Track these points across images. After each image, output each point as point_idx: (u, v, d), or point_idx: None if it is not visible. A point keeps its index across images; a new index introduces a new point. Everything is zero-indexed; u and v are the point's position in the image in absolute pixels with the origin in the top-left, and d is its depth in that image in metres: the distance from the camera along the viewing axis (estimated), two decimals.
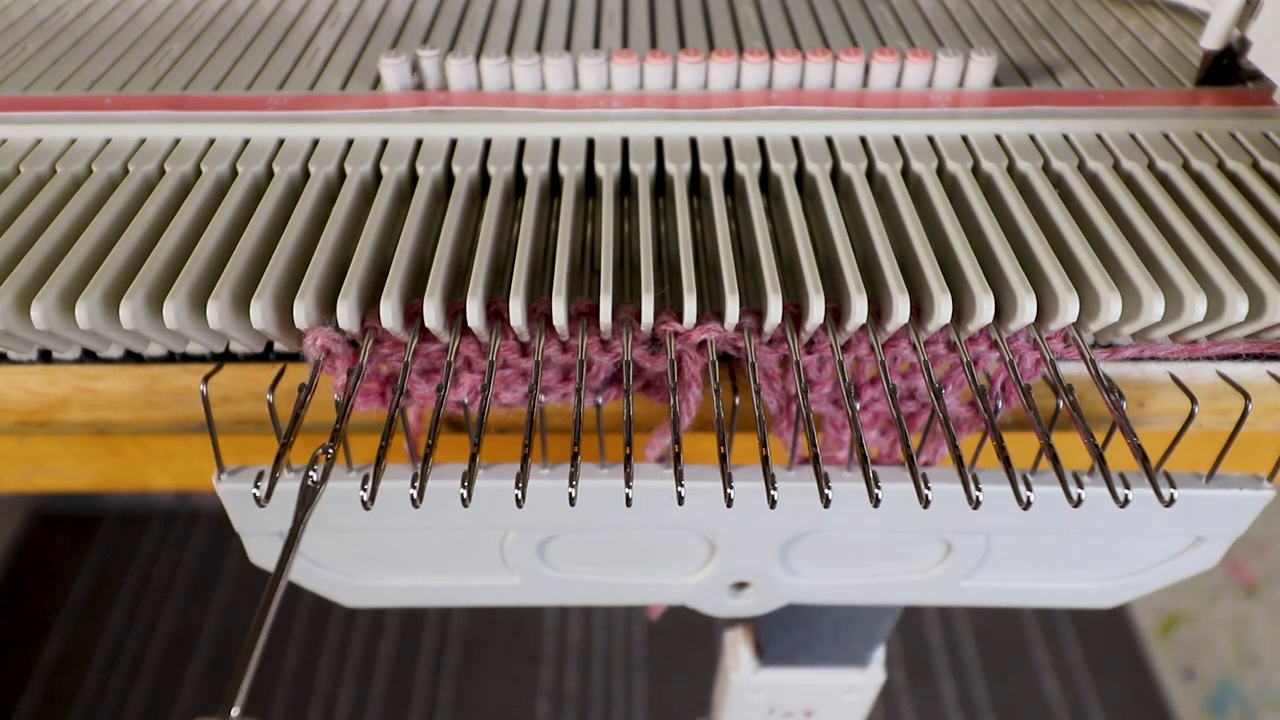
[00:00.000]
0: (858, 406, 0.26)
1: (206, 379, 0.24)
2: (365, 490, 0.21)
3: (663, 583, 0.32)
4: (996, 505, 0.27)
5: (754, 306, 0.24)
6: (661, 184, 0.29)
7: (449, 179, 0.28)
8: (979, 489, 0.22)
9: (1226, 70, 0.32)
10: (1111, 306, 0.22)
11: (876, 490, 0.21)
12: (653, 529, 0.30)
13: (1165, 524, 0.28)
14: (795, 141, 0.29)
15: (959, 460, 0.22)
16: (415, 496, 0.21)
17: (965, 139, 0.29)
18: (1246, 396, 0.24)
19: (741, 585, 0.33)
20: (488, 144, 0.29)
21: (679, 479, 0.21)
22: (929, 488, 0.21)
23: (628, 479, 0.21)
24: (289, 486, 0.23)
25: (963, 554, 0.31)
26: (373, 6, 0.38)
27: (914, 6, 0.38)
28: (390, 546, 0.30)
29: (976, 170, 0.28)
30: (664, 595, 0.33)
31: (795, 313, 0.24)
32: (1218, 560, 0.30)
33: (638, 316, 0.23)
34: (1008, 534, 0.30)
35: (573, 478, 0.21)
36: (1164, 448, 0.25)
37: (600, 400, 0.26)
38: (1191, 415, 0.23)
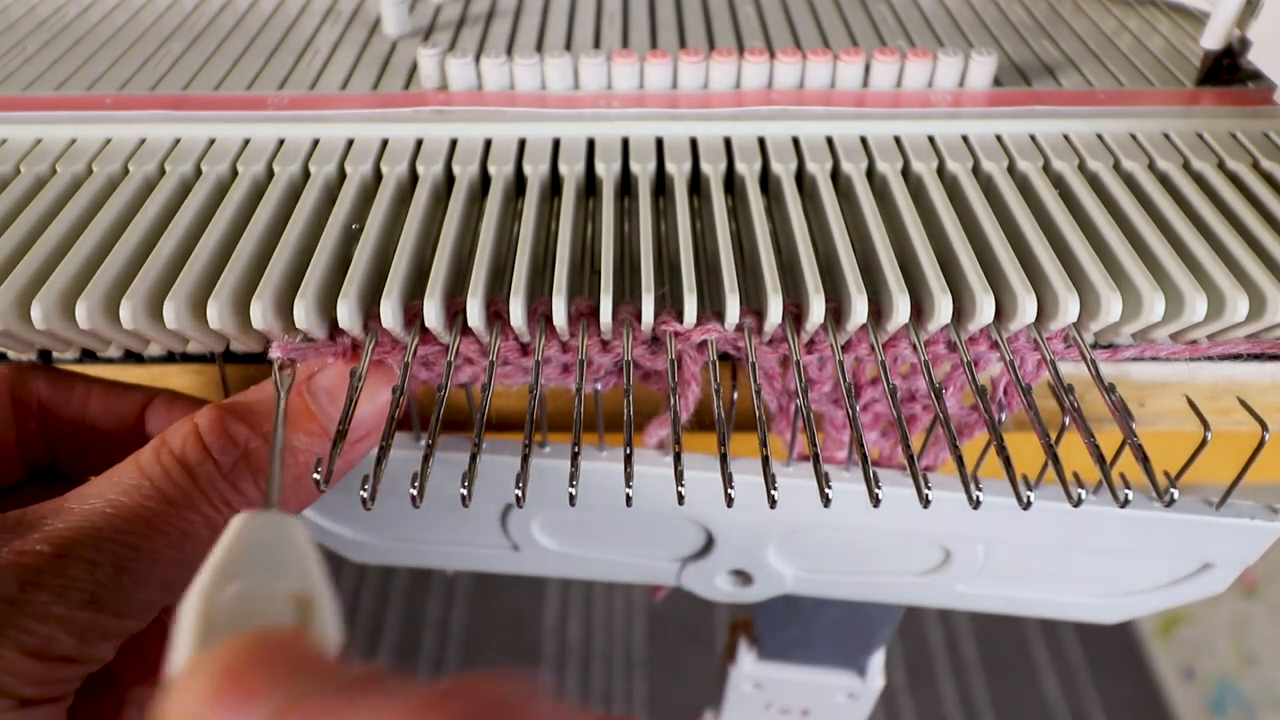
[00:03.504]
0: (858, 406, 0.26)
1: (221, 365, 0.24)
2: (365, 490, 0.21)
3: (660, 564, 0.33)
4: (997, 513, 0.27)
5: (754, 306, 0.24)
6: (662, 184, 0.29)
7: (449, 179, 0.28)
8: (979, 489, 0.22)
9: (1227, 70, 0.32)
10: (1112, 306, 0.22)
11: (877, 490, 0.21)
12: (652, 514, 0.30)
13: (1171, 548, 0.28)
14: (795, 141, 0.29)
15: (959, 460, 0.22)
16: (415, 496, 0.21)
17: (965, 139, 0.29)
18: (1264, 426, 0.24)
19: (739, 573, 0.33)
20: (488, 144, 0.29)
21: (679, 479, 0.21)
22: (929, 487, 0.21)
23: (628, 479, 0.21)
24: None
25: (961, 560, 0.31)
26: (372, 6, 0.38)
27: (914, 6, 0.38)
28: (395, 507, 0.31)
29: (977, 170, 0.28)
30: (661, 576, 0.33)
31: (795, 312, 0.24)
32: (1226, 586, 0.30)
33: (638, 316, 0.23)
34: (1008, 544, 0.30)
35: (572, 478, 0.21)
36: (1165, 448, 0.25)
37: (600, 387, 0.26)
38: (1204, 441, 0.23)
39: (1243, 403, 0.24)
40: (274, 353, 0.22)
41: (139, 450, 0.20)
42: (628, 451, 0.21)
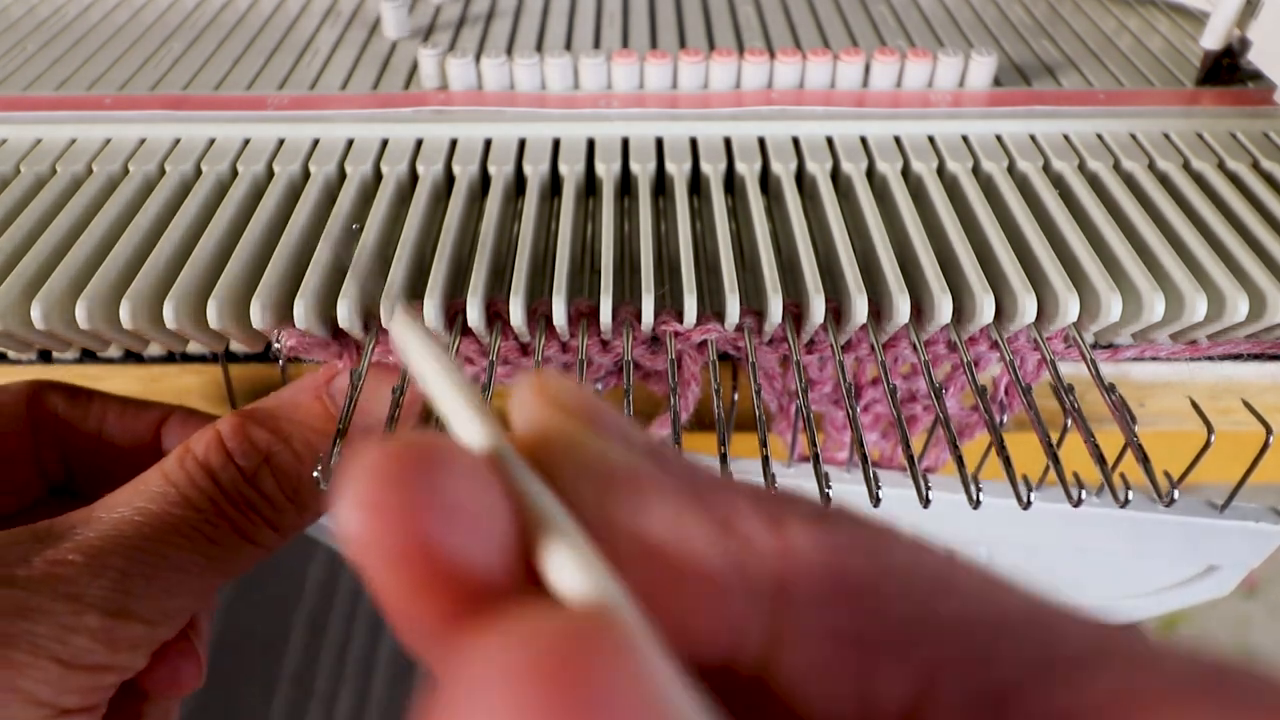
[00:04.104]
0: (858, 407, 0.26)
1: (223, 364, 0.24)
2: None
3: None
4: (999, 514, 0.27)
5: (754, 306, 0.24)
6: (662, 184, 0.29)
7: (449, 179, 0.28)
8: (979, 489, 0.22)
9: (1227, 70, 0.32)
10: (1112, 306, 0.22)
11: (877, 489, 0.21)
12: None
13: (1176, 550, 0.28)
14: (795, 141, 0.29)
15: (959, 461, 0.22)
16: None
17: (965, 139, 0.29)
18: (1269, 428, 0.24)
19: None
20: (488, 144, 0.29)
21: None
22: (929, 487, 0.21)
23: None
24: None
25: None
26: (372, 6, 0.38)
27: (914, 6, 0.38)
28: None
29: (977, 170, 0.28)
30: None
31: (795, 312, 0.24)
32: (1232, 588, 0.30)
33: (638, 316, 0.23)
34: (1011, 546, 0.30)
35: None
36: (1164, 448, 0.25)
37: (600, 388, 0.26)
38: (1208, 443, 0.23)
39: (1247, 405, 0.24)
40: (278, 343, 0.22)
41: (163, 459, 0.20)
42: None
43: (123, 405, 0.24)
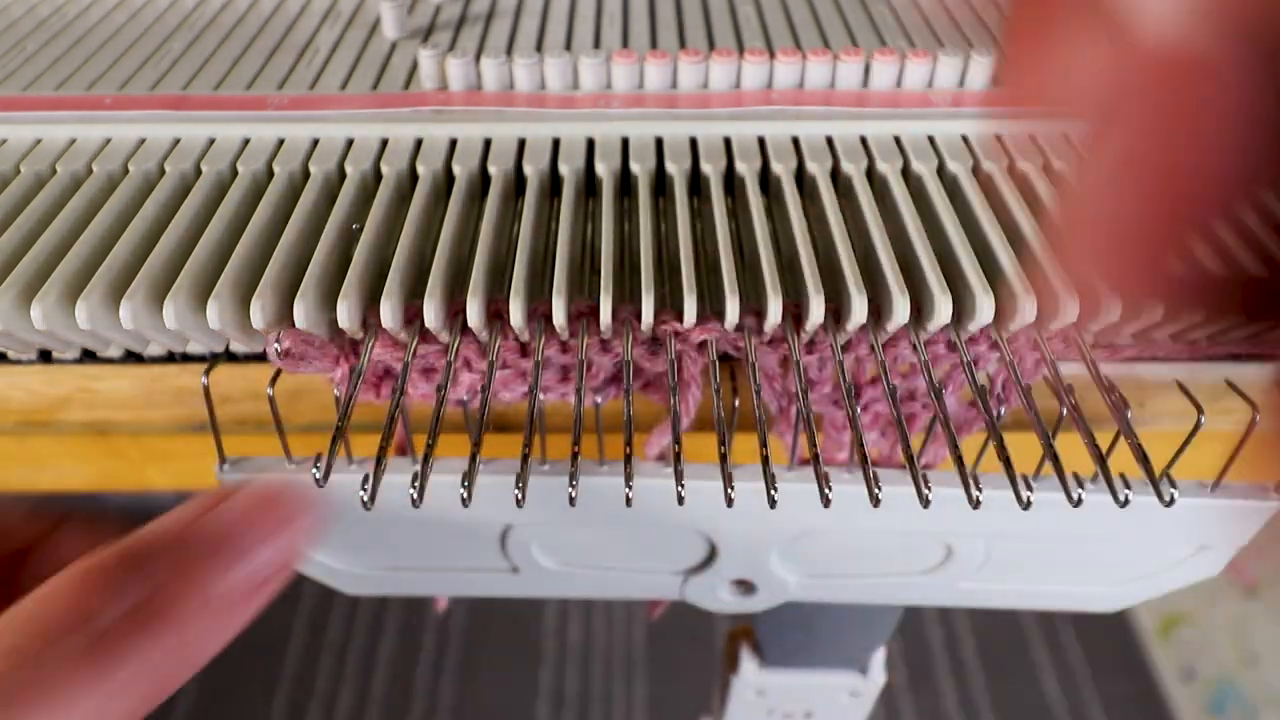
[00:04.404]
0: (858, 407, 0.26)
1: (207, 372, 0.24)
2: (365, 490, 0.21)
3: (662, 578, 0.32)
4: (997, 509, 0.27)
5: (754, 306, 0.24)
6: (662, 184, 0.29)
7: (449, 178, 0.28)
8: (979, 489, 0.22)
9: None
10: (1112, 306, 0.22)
11: (877, 490, 0.21)
12: (653, 526, 0.30)
13: (1168, 531, 0.28)
14: (795, 141, 0.29)
15: (959, 460, 0.22)
16: (415, 497, 0.21)
17: (965, 139, 0.29)
18: (1255, 408, 0.24)
19: (741, 582, 0.33)
20: (487, 144, 0.29)
21: (679, 479, 0.21)
22: (929, 487, 0.21)
23: (627, 478, 0.21)
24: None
25: (963, 556, 0.31)
26: (372, 7, 0.38)
27: (914, 6, 0.38)
28: (388, 535, 0.30)
29: (977, 170, 0.28)
30: (663, 590, 0.33)
31: (795, 312, 0.24)
32: (1221, 568, 0.30)
33: (638, 316, 0.23)
34: (1009, 538, 0.30)
35: (573, 477, 0.21)
36: (1164, 448, 0.25)
37: (600, 400, 0.26)
38: (1198, 425, 0.23)
39: (1230, 384, 0.25)
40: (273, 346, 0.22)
41: (16, 604, 0.17)
42: (627, 451, 0.21)
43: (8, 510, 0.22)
